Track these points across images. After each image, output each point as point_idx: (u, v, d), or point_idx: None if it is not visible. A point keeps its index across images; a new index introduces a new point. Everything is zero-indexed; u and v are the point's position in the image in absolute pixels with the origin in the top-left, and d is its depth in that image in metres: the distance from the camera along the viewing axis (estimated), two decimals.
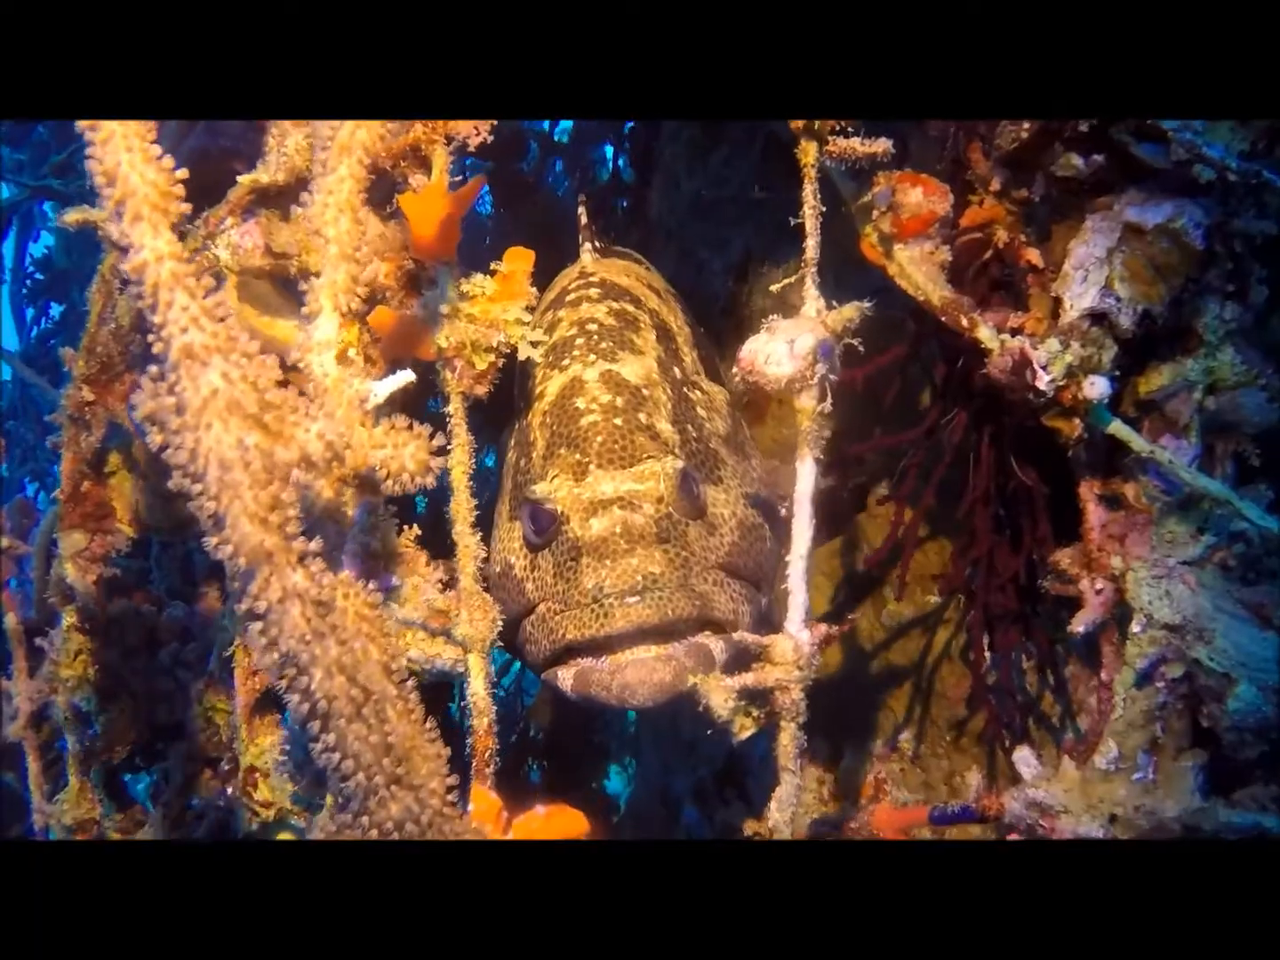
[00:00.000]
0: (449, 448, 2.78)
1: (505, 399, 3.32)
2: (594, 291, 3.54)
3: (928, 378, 3.22)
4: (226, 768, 3.85)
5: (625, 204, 5.69)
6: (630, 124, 5.99)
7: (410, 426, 2.17)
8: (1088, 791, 2.96)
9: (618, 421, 3.06)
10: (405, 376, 2.34)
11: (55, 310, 8.04)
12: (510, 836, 2.27)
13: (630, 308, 3.49)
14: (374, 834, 2.05)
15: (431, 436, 2.19)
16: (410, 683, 2.16)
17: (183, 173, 1.88)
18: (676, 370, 3.36)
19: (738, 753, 4.63)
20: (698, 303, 4.74)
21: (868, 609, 3.92)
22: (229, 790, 3.80)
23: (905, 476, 3.29)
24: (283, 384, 1.95)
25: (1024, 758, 3.17)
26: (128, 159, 1.82)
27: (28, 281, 8.27)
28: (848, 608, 3.95)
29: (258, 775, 3.58)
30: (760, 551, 3.12)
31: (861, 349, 2.63)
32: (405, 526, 3.03)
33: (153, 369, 1.88)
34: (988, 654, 3.45)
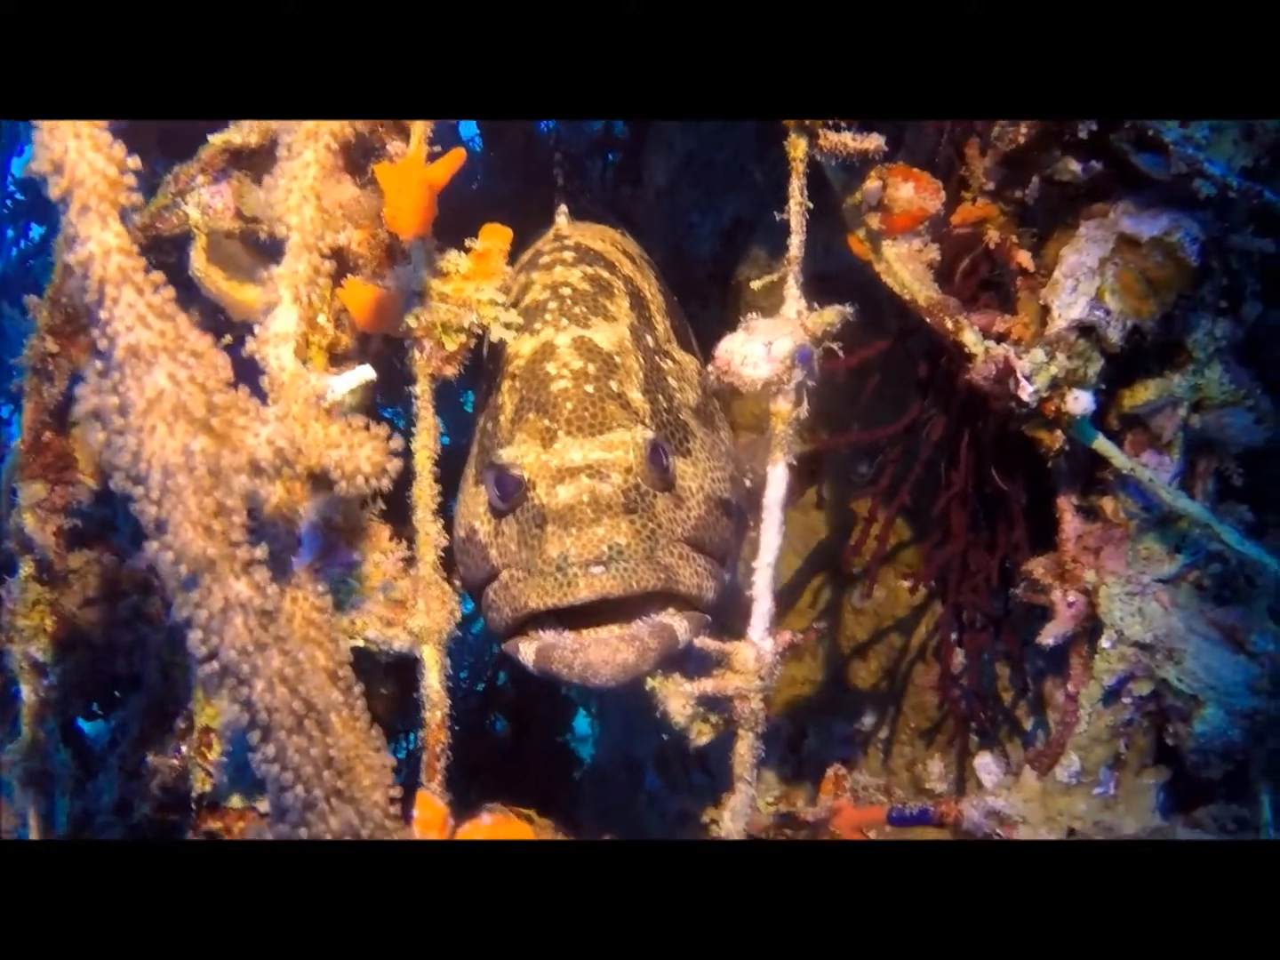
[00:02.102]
0: (413, 431, 2.72)
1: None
2: (568, 255, 3.45)
3: (910, 374, 3.14)
4: (181, 726, 3.79)
5: (615, 158, 5.56)
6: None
7: (367, 426, 2.10)
8: (1047, 803, 2.95)
9: (588, 389, 2.98)
10: (364, 373, 2.27)
11: (36, 232, 7.89)
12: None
13: (604, 273, 3.41)
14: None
15: (389, 438, 2.12)
16: (357, 689, 2.11)
17: (135, 161, 1.79)
18: (649, 338, 3.29)
19: None
20: (684, 265, 4.66)
21: (840, 593, 3.87)
22: (183, 749, 3.75)
23: (882, 472, 3.22)
24: (233, 383, 1.87)
25: (985, 765, 3.15)
26: (75, 146, 1.73)
27: (8, 202, 8.09)
28: (818, 594, 3.89)
29: (212, 736, 3.54)
30: (727, 527, 3.06)
31: (841, 354, 2.55)
32: (369, 500, 2.98)
33: (97, 364, 1.81)
34: (958, 654, 3.41)
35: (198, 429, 1.80)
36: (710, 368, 2.59)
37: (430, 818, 2.21)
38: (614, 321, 3.21)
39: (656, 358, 3.23)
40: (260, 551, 1.87)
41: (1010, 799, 2.97)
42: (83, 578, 3.94)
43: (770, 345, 2.50)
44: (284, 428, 1.88)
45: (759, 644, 2.53)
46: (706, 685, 2.53)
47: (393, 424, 3.48)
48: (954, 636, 3.37)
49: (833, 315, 2.53)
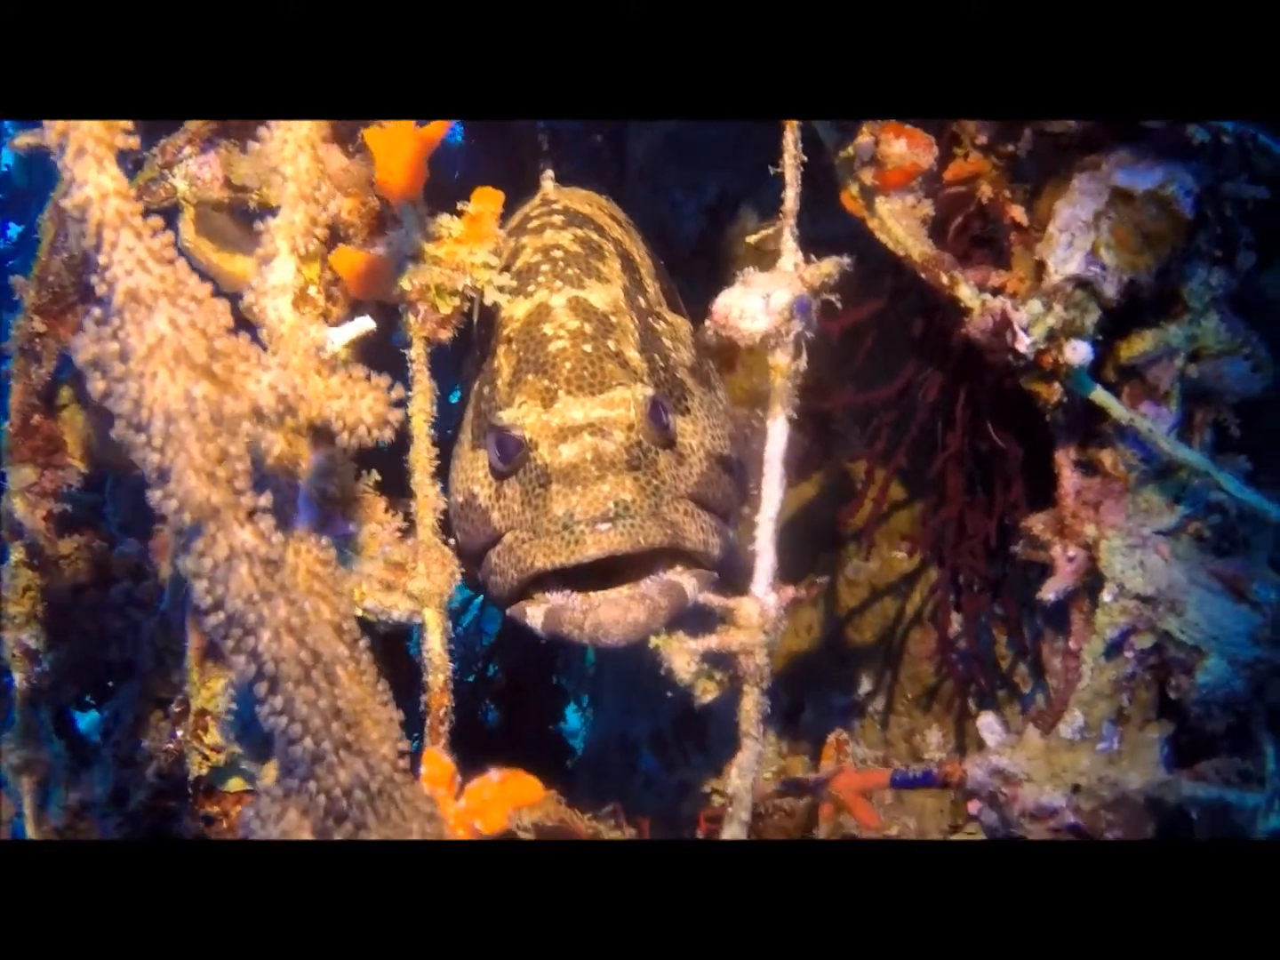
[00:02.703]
0: (409, 394, 2.70)
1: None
2: (558, 219, 3.45)
3: (905, 333, 3.13)
4: (177, 710, 3.76)
5: (601, 139, 5.55)
6: None
7: (368, 377, 2.08)
8: (1051, 760, 2.92)
9: (587, 348, 2.97)
10: (364, 324, 2.25)
11: (13, 231, 7.84)
12: (463, 803, 2.21)
13: (594, 235, 3.41)
14: (321, 800, 1.98)
15: (390, 388, 2.10)
16: (363, 643, 2.09)
17: None
18: (641, 300, 3.29)
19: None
20: (669, 244, 4.64)
21: (835, 563, 3.86)
22: (179, 733, 3.72)
23: (878, 434, 3.22)
24: (233, 331, 1.85)
25: (988, 724, 3.14)
26: None
27: None
28: (814, 560, 3.87)
29: (208, 719, 3.51)
30: (728, 484, 3.05)
31: (839, 305, 2.54)
32: (364, 471, 2.96)
33: (95, 311, 1.79)
34: (955, 617, 3.40)
35: (199, 374, 1.78)
36: (707, 323, 2.58)
37: (438, 774, 2.19)
38: (607, 283, 3.20)
39: (649, 319, 3.23)
40: (264, 500, 1.85)
41: (1014, 757, 2.95)
42: (73, 563, 3.91)
43: (768, 298, 2.49)
44: (286, 374, 1.86)
45: (762, 599, 2.51)
46: (711, 642, 2.51)
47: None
48: (951, 600, 3.36)
49: (830, 267, 2.52)
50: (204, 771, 3.54)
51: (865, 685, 3.96)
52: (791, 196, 2.58)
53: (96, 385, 1.79)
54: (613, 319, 3.08)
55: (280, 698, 1.90)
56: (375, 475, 2.96)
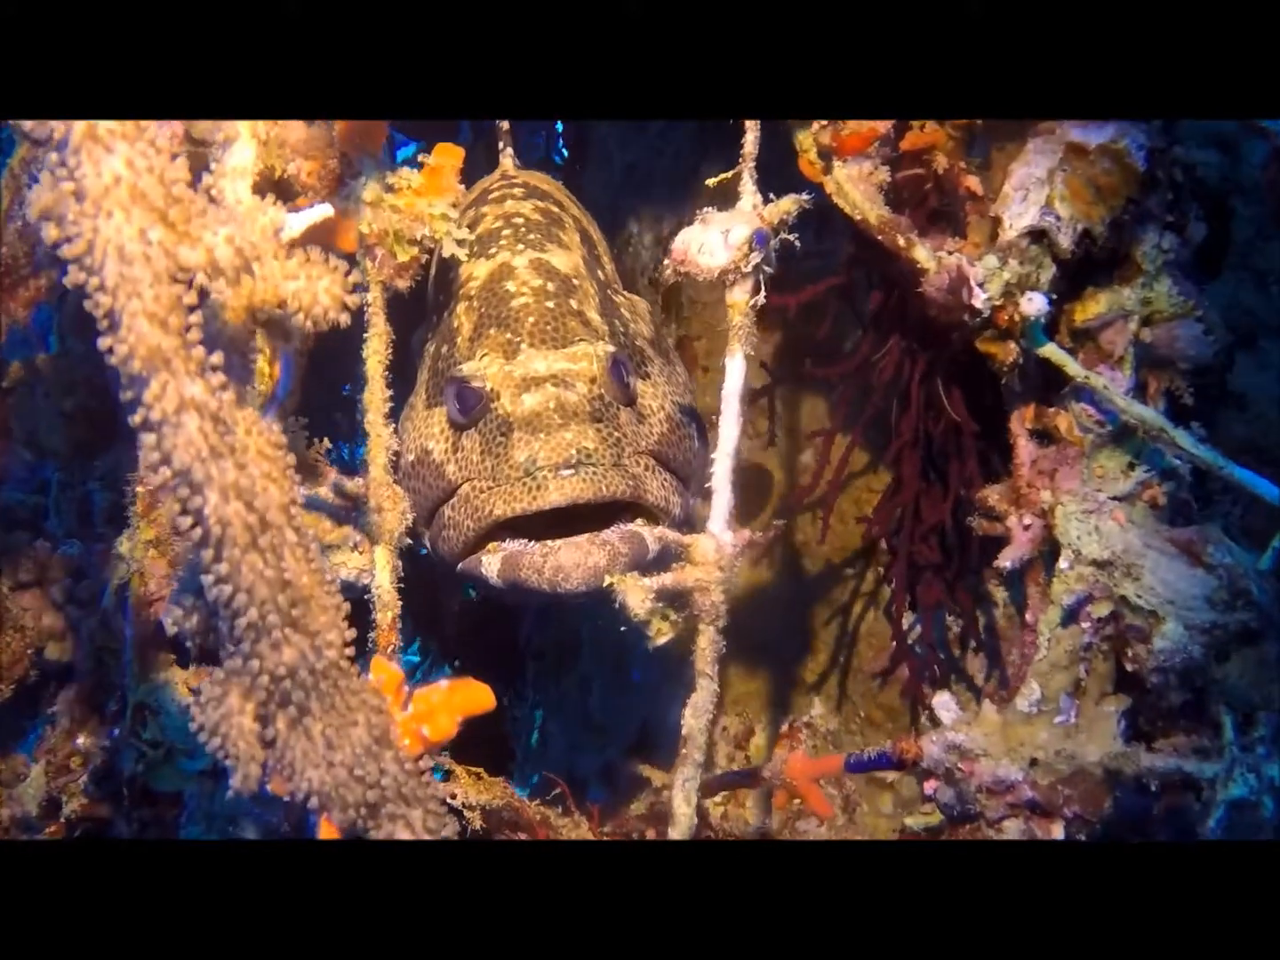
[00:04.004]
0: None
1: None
2: (518, 190, 3.50)
3: (861, 308, 3.15)
4: (115, 708, 3.68)
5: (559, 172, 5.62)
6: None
7: (326, 260, 2.06)
8: (1008, 735, 2.88)
9: (550, 304, 2.99)
10: (323, 210, 2.23)
11: None
12: (410, 710, 2.14)
13: (554, 208, 3.46)
14: (264, 680, 1.91)
15: (348, 273, 2.07)
16: (310, 532, 2.03)
17: None
18: (600, 272, 3.32)
19: (649, 726, 4.52)
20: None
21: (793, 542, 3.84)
22: (116, 731, 3.63)
23: (835, 411, 3.22)
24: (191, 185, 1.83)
25: (944, 702, 3.09)
26: None
27: None
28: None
29: (147, 713, 3.44)
30: (689, 449, 3.05)
31: (798, 243, 2.55)
32: (314, 439, 2.93)
33: (52, 155, 1.76)
34: (909, 608, 3.38)
35: (156, 219, 1.75)
36: (666, 261, 2.58)
37: (385, 680, 2.13)
38: (568, 250, 3.23)
39: (608, 290, 3.24)
40: (217, 358, 1.82)
41: (970, 732, 2.91)
42: (13, 560, 3.83)
43: (727, 233, 2.49)
44: (245, 229, 1.84)
45: (718, 535, 2.48)
46: (666, 579, 2.47)
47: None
48: (906, 590, 3.34)
49: (789, 204, 2.54)
50: (140, 768, 3.47)
51: (822, 677, 3.91)
52: (751, 140, 2.59)
53: (50, 233, 1.76)
54: (574, 281, 3.11)
55: (226, 564, 1.84)
56: (326, 443, 2.94)
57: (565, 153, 5.66)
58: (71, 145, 1.74)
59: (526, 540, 2.79)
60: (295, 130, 2.88)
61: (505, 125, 3.92)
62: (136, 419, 1.79)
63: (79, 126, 1.73)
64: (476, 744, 5.64)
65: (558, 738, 5.31)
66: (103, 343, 1.77)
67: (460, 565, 2.93)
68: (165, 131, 1.77)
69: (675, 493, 2.93)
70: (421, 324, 3.49)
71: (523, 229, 3.25)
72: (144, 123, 1.77)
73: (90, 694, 3.81)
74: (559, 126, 5.91)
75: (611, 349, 2.93)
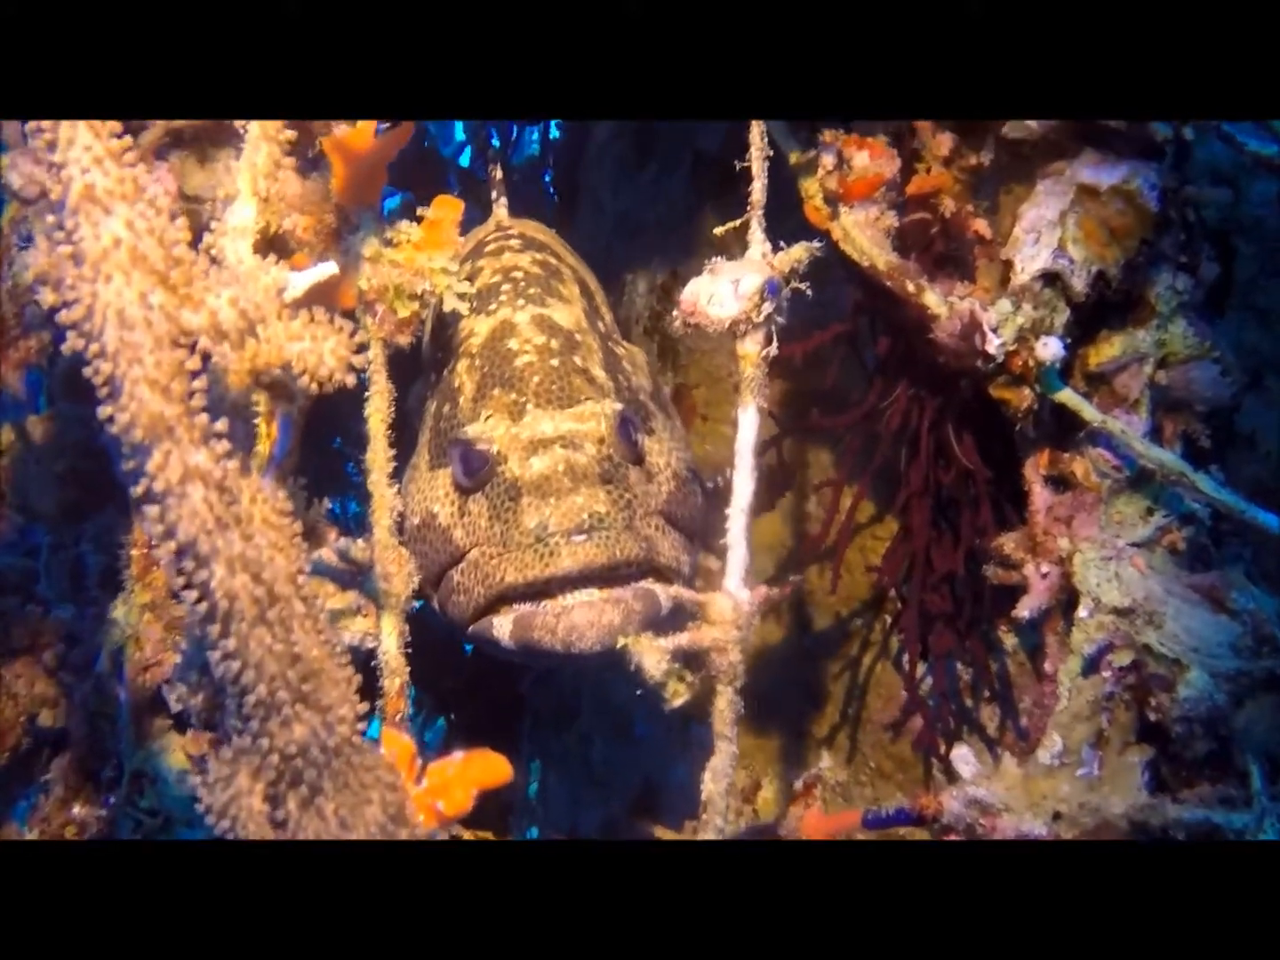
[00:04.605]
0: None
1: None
2: (515, 243, 3.44)
3: (869, 355, 3.10)
4: (110, 775, 3.60)
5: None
6: (554, 154, 5.92)
7: (331, 320, 2.00)
8: (1030, 789, 2.82)
9: (554, 363, 2.93)
10: (327, 269, 2.18)
11: None
12: (424, 785, 2.07)
13: (552, 260, 3.41)
14: (274, 759, 1.84)
15: (353, 334, 2.01)
16: (319, 602, 1.97)
17: None
18: (600, 324, 3.26)
19: (653, 783, 4.44)
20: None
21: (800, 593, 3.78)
22: (112, 799, 3.55)
23: (843, 461, 3.16)
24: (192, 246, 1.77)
25: (963, 756, 3.03)
26: None
27: None
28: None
29: (144, 781, 3.37)
30: (694, 505, 3.00)
31: (809, 292, 2.50)
32: (315, 499, 2.87)
33: (49, 218, 1.70)
34: (921, 658, 3.31)
35: (156, 282, 1.69)
36: (675, 313, 2.53)
37: (397, 753, 2.05)
38: (568, 303, 3.18)
39: (609, 342, 3.19)
40: (221, 425, 1.75)
41: (991, 787, 2.84)
42: (4, 626, 3.76)
43: (737, 283, 2.44)
44: (249, 291, 1.78)
45: (735, 594, 2.41)
46: (682, 639, 2.40)
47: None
48: (918, 641, 3.27)
49: (801, 252, 2.49)
50: (138, 838, 3.39)
51: (834, 731, 3.84)
52: (759, 188, 2.55)
53: (47, 298, 1.69)
54: (577, 336, 3.05)
55: (233, 640, 1.77)
56: (326, 503, 2.88)
57: (556, 199, 5.65)
58: (69, 206, 1.68)
59: (536, 601, 2.73)
60: (291, 184, 2.83)
61: (499, 174, 3.88)
62: (139, 490, 1.73)
63: (75, 187, 1.67)
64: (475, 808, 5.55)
65: (558, 791, 5.23)
66: (103, 411, 1.70)
67: (471, 629, 2.86)
68: (160, 189, 1.71)
69: (685, 552, 2.88)
70: (419, 380, 3.43)
71: (522, 283, 3.20)
72: (142, 180, 1.71)
73: (85, 761, 3.72)
74: (547, 176, 5.91)
75: (619, 407, 2.87)
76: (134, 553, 3.24)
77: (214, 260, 2.00)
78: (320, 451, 4.67)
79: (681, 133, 4.42)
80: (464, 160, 6.54)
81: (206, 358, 1.78)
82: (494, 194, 3.81)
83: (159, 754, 3.33)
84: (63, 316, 1.69)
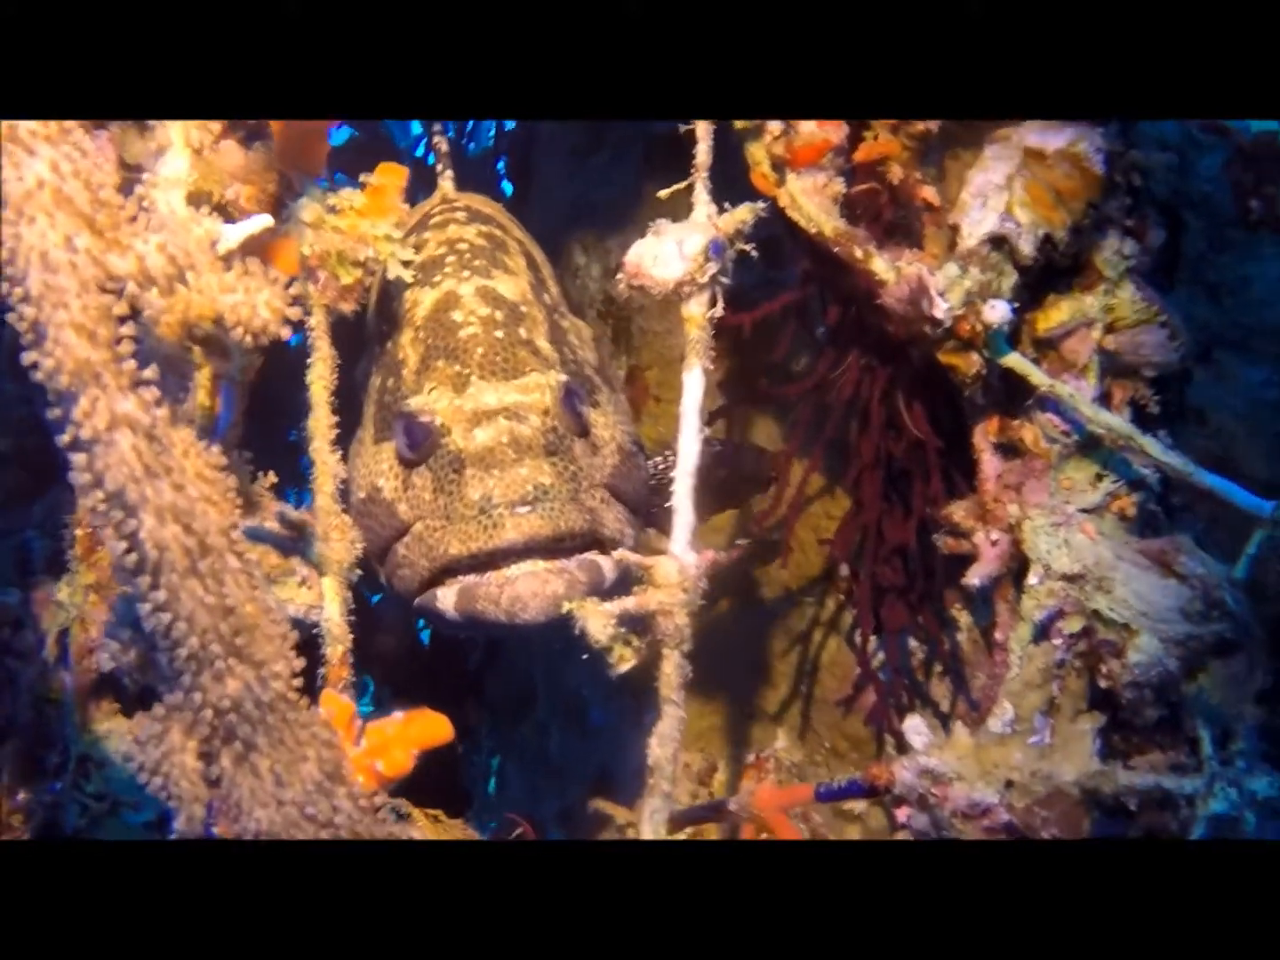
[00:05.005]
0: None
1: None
2: (460, 215, 3.42)
3: (818, 325, 3.09)
4: (56, 761, 3.55)
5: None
6: (507, 142, 5.90)
7: (266, 272, 1.97)
8: (982, 757, 2.81)
9: (498, 334, 2.91)
10: (262, 220, 2.15)
11: None
12: (363, 745, 2.04)
13: (498, 232, 3.39)
14: (207, 714, 1.81)
15: (289, 285, 1.98)
16: (253, 556, 1.94)
17: None
18: (546, 297, 3.25)
19: (610, 771, 4.42)
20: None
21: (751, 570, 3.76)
22: (58, 785, 3.50)
23: (793, 432, 3.14)
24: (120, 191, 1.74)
25: (914, 726, 3.01)
26: None
27: None
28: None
29: (90, 765, 3.33)
30: (639, 479, 2.99)
31: (755, 253, 2.48)
32: (260, 473, 2.85)
33: None
34: (875, 633, 3.30)
35: (82, 224, 1.66)
36: (619, 276, 2.51)
37: (336, 714, 2.03)
38: (514, 275, 3.16)
39: (555, 315, 3.17)
40: (150, 372, 1.72)
41: (943, 756, 2.83)
42: None
43: (681, 243, 2.42)
44: (179, 238, 1.74)
45: (681, 557, 2.39)
46: (628, 603, 2.37)
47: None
48: (871, 614, 3.26)
49: (745, 213, 2.47)
50: (84, 822, 3.35)
51: (786, 705, 3.82)
52: (703, 150, 2.53)
53: None
54: (522, 308, 3.04)
55: (164, 591, 1.74)
56: (272, 477, 2.86)
57: (511, 185, 5.63)
58: None
59: (481, 572, 2.71)
60: (233, 155, 2.80)
61: (444, 147, 3.85)
62: (66, 438, 1.70)
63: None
64: (431, 794, 5.54)
65: (516, 783, 5.20)
66: (27, 357, 1.67)
67: (416, 601, 2.84)
68: (92, 139, 1.68)
69: (629, 525, 2.88)
70: (363, 354, 3.40)
71: (467, 255, 3.17)
72: (68, 125, 1.68)
73: (30, 747, 3.66)
74: (500, 164, 5.89)
75: (564, 378, 2.86)
76: (78, 532, 3.20)
77: (145, 210, 1.96)
78: (274, 448, 4.62)
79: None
80: (419, 152, 6.52)
81: (137, 310, 1.75)
82: (439, 167, 3.78)
83: (105, 738, 3.30)
84: None
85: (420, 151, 6.48)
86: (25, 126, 1.64)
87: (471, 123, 6.45)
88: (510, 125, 6.14)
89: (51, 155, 1.65)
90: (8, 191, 1.63)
